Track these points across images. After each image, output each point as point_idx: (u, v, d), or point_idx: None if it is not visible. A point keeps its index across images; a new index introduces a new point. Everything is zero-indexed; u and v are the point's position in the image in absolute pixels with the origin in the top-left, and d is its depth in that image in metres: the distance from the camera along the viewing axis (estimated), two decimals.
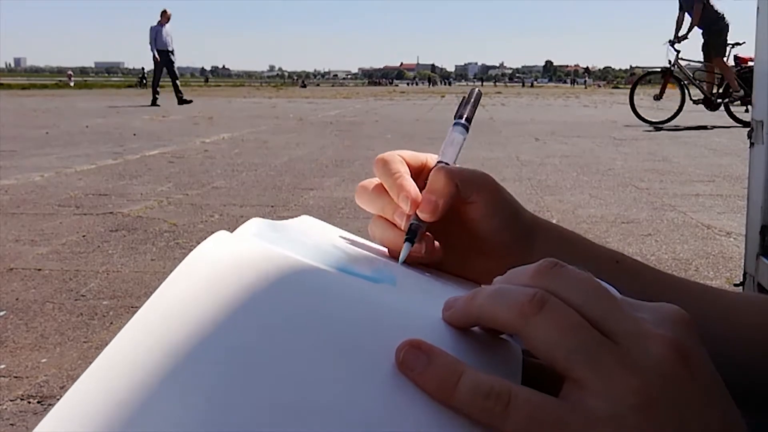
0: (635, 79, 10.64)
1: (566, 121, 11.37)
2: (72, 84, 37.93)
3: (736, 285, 2.37)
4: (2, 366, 1.75)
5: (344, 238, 0.45)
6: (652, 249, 2.90)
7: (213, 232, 0.33)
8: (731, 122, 9.55)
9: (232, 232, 0.35)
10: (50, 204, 3.81)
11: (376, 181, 0.45)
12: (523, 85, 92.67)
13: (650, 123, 9.64)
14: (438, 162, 0.46)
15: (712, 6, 9.53)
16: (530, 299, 0.27)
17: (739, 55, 9.81)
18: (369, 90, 42.13)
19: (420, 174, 0.46)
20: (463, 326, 0.30)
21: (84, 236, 3.09)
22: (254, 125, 9.88)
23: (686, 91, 9.68)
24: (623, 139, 7.92)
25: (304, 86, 55.07)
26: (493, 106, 10.81)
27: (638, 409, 0.25)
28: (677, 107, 9.54)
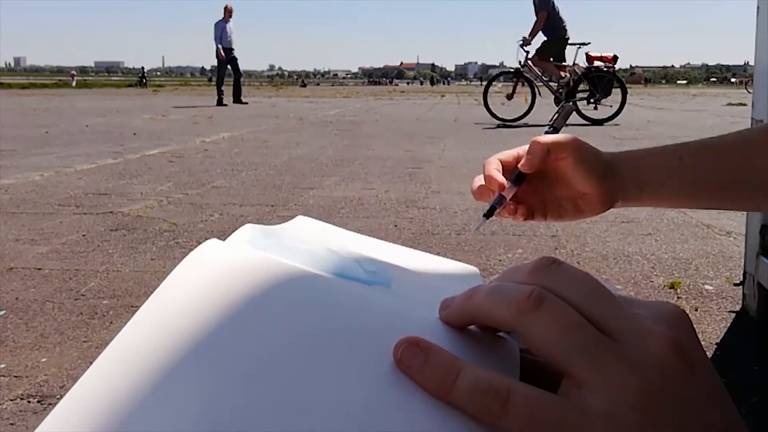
0: (489, 79, 10.99)
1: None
2: (74, 84, 38.11)
3: (736, 284, 2.37)
4: (2, 365, 1.76)
5: (340, 237, 0.45)
6: (652, 248, 2.90)
7: (213, 232, 0.33)
8: (580, 120, 9.97)
9: (232, 231, 0.35)
10: (50, 203, 3.81)
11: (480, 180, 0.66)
12: (523, 85, 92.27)
13: (503, 120, 9.99)
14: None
15: (557, 13, 10.17)
16: (528, 296, 0.27)
17: (590, 54, 10.27)
18: (369, 89, 42.12)
19: (517, 161, 0.66)
20: (460, 325, 0.30)
21: (84, 235, 3.09)
22: (254, 124, 9.87)
23: (536, 90, 10.21)
24: (623, 138, 7.92)
25: (304, 85, 55.00)
26: (493, 105, 10.83)
27: (637, 407, 0.24)
28: (528, 106, 10.06)
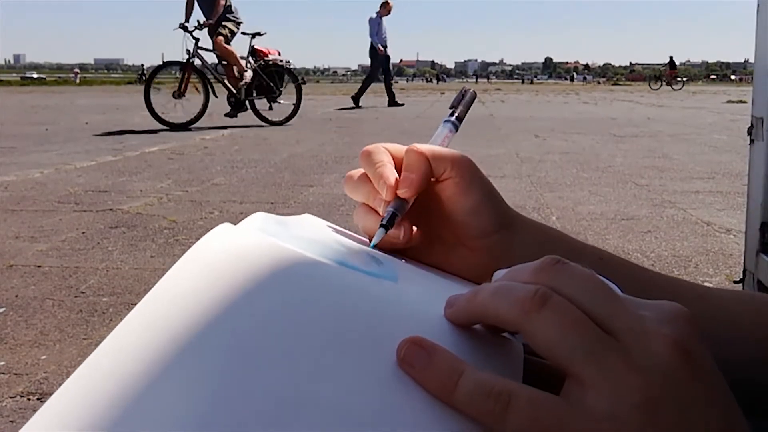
0: (150, 72, 8.62)
1: (566, 118, 11.36)
2: (78, 81, 39.54)
3: (735, 282, 2.37)
4: (2, 363, 1.75)
5: (346, 236, 0.45)
6: (651, 246, 2.90)
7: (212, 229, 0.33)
8: (257, 121, 8.98)
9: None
10: (50, 201, 3.81)
11: (362, 170, 0.46)
12: (523, 82, 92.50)
13: (170, 125, 8.26)
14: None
15: None
16: (532, 296, 0.27)
17: (258, 48, 9.03)
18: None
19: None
20: (465, 323, 0.30)
21: (84, 233, 3.09)
22: (254, 121, 9.87)
23: (210, 87, 8.48)
24: (623, 135, 7.91)
25: (304, 83, 54.91)
26: (493, 102, 10.79)
27: (640, 407, 0.24)
28: (201, 106, 8.40)
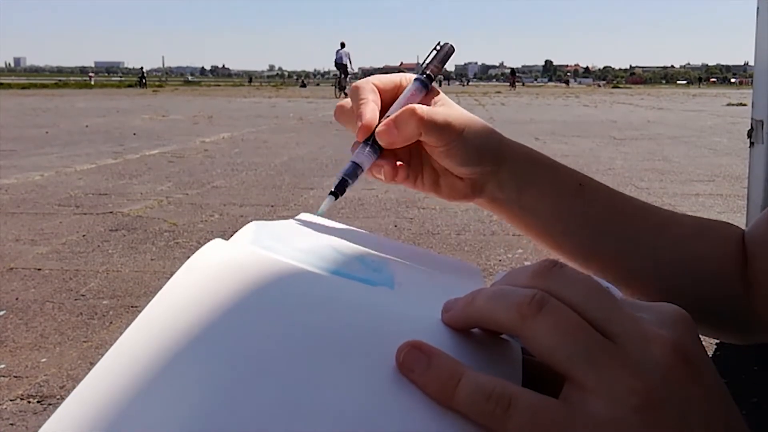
0: None
1: (566, 121, 11.37)
2: (93, 83, 42.28)
3: None
4: (2, 366, 1.75)
5: (343, 234, 0.45)
6: None
7: (213, 232, 0.34)
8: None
9: (232, 231, 0.35)
10: (50, 203, 3.81)
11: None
12: (523, 84, 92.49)
13: None
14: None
15: None
16: (529, 300, 0.27)
17: None
18: None
19: (396, 94, 0.49)
20: (463, 328, 0.30)
21: (84, 236, 3.09)
22: (254, 125, 9.87)
23: None
24: (623, 138, 7.92)
25: (304, 86, 54.86)
26: (493, 105, 10.82)
27: (640, 410, 0.24)
28: None
